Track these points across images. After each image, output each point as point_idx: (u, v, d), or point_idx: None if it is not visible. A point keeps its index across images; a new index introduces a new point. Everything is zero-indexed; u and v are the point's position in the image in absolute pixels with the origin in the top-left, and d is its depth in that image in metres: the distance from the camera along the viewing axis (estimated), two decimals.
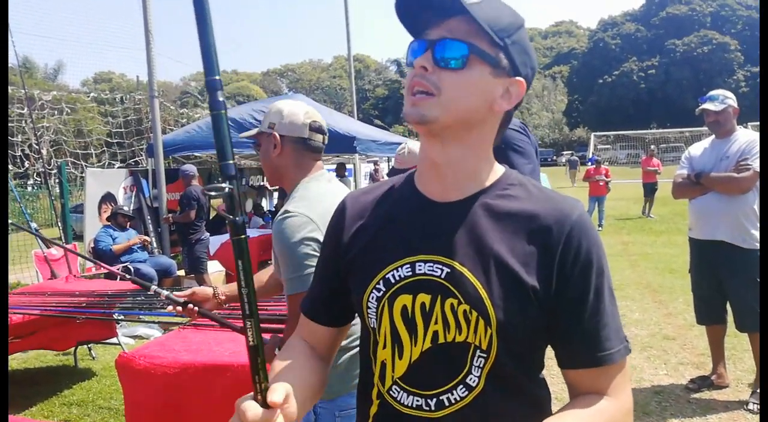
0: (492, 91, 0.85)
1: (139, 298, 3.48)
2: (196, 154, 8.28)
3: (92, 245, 6.11)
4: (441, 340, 0.86)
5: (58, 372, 4.49)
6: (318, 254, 1.44)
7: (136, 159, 12.38)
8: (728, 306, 3.42)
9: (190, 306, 1.88)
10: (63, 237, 5.86)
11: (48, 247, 5.46)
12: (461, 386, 0.86)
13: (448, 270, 0.85)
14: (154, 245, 7.14)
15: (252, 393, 0.79)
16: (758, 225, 3.16)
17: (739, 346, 4.06)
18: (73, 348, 4.43)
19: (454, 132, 0.85)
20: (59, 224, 5.91)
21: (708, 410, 3.28)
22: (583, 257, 0.84)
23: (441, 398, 0.86)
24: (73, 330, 4.12)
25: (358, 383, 1.00)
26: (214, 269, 6.68)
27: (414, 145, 3.55)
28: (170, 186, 7.25)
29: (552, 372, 0.96)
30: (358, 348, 1.03)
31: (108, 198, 6.82)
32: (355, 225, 0.96)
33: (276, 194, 9.70)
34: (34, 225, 5.52)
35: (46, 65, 41.95)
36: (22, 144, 10.51)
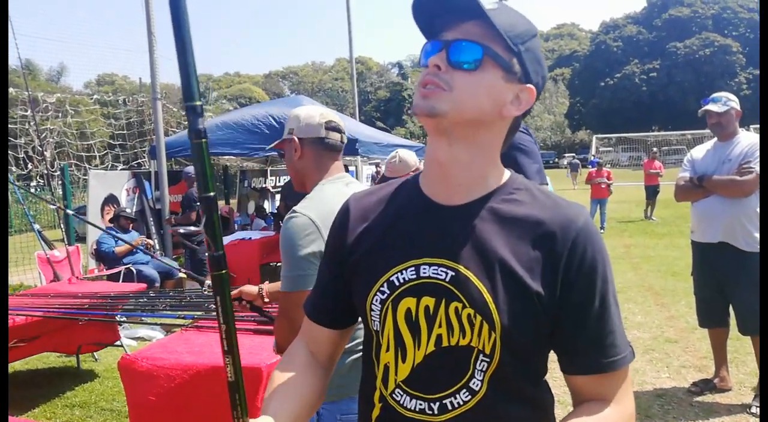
0: (503, 95, 0.86)
1: (141, 300, 3.49)
2: None
3: (95, 247, 6.12)
4: (445, 344, 0.86)
5: (61, 373, 4.50)
6: (314, 255, 1.47)
7: (139, 161, 12.40)
8: (731, 309, 3.41)
9: (244, 302, 1.99)
10: (65, 239, 5.87)
11: (51, 249, 5.47)
12: (464, 390, 0.86)
13: (453, 274, 0.85)
14: (157, 247, 7.15)
15: None
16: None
17: (742, 349, 4.05)
18: (75, 350, 4.44)
19: (462, 131, 0.86)
20: (62, 226, 5.91)
21: (711, 413, 3.27)
22: (588, 264, 0.84)
23: (444, 402, 0.86)
24: (77, 335, 4.13)
25: (360, 386, 1.00)
26: None
27: (405, 154, 3.54)
28: (173, 188, 7.26)
29: (554, 375, 0.96)
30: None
31: (111, 200, 6.84)
32: (359, 226, 0.96)
33: (278, 196, 9.70)
34: (37, 226, 5.52)
35: (50, 68, 42.12)
36: (25, 146, 10.54)
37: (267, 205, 10.81)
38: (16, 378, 4.24)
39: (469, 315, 0.84)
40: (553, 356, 0.92)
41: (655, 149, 14.83)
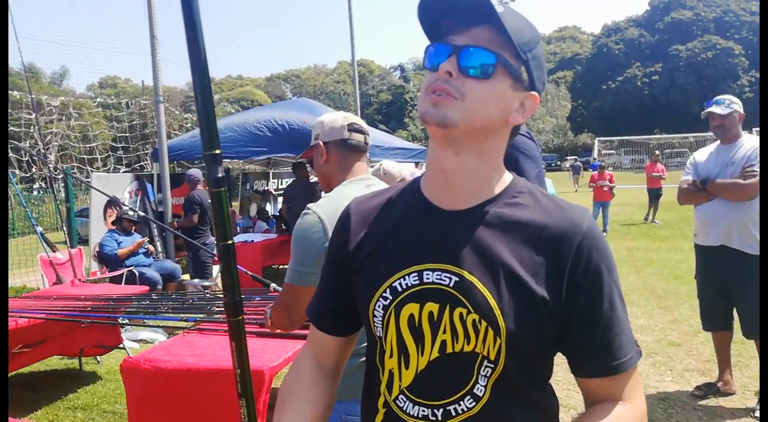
0: (510, 103, 0.86)
1: (143, 302, 3.50)
2: (201, 158, 8.31)
3: (97, 249, 6.13)
4: (449, 350, 0.85)
5: (63, 375, 4.50)
6: (318, 253, 1.48)
7: (141, 163, 12.42)
8: (734, 313, 3.40)
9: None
10: (68, 241, 5.89)
11: (54, 251, 5.48)
12: (468, 396, 0.85)
13: (457, 280, 0.84)
14: (159, 249, 7.16)
15: None
16: None
17: (746, 353, 4.03)
18: (78, 352, 4.44)
19: (470, 140, 0.85)
20: (64, 228, 5.93)
21: (714, 417, 3.26)
22: (593, 268, 0.84)
23: (448, 408, 0.86)
24: (81, 338, 4.13)
25: (363, 391, 1.00)
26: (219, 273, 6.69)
27: (389, 165, 3.53)
28: (175, 190, 7.27)
29: (556, 378, 0.96)
30: None
31: (113, 202, 6.84)
32: (360, 232, 0.96)
33: (281, 199, 9.71)
34: (39, 229, 5.54)
35: (53, 72, 42.24)
36: (30, 149, 10.56)
37: (269, 208, 10.82)
38: (17, 380, 4.24)
39: (474, 320, 0.83)
40: (555, 359, 0.91)
41: (657, 152, 14.83)
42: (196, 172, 6.58)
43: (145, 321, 3.52)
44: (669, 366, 4.07)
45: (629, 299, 5.90)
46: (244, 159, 8.42)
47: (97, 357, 4.72)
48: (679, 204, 3.54)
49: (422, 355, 0.86)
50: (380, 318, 0.89)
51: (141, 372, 2.46)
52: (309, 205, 1.58)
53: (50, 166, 7.00)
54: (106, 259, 6.01)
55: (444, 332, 0.85)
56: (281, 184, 11.64)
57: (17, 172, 10.67)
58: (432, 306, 0.85)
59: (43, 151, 8.54)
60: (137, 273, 5.81)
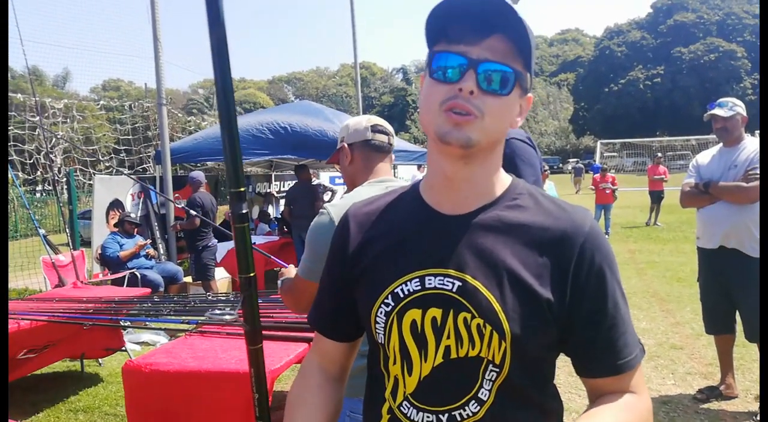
0: (516, 111, 0.86)
1: (145, 305, 3.50)
2: (203, 161, 8.32)
3: (99, 251, 6.14)
4: (453, 355, 0.85)
5: (65, 378, 4.51)
6: (325, 253, 1.51)
7: (144, 166, 12.45)
8: (737, 316, 3.39)
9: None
10: (71, 244, 5.90)
11: (56, 253, 5.49)
12: (473, 401, 0.85)
13: (460, 284, 0.84)
14: (161, 251, 7.17)
15: None
16: None
17: (748, 356, 4.02)
18: (80, 355, 4.44)
19: (484, 152, 0.85)
20: (67, 230, 5.94)
21: (716, 421, 3.25)
22: (597, 269, 0.84)
23: (453, 414, 0.85)
24: (84, 342, 4.13)
25: (365, 397, 0.99)
26: (221, 276, 6.69)
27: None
28: (178, 192, 7.29)
29: (558, 381, 0.96)
30: None
31: (116, 204, 6.86)
32: (360, 237, 0.95)
33: (282, 201, 9.72)
34: (42, 231, 5.55)
35: (56, 75, 42.38)
36: (36, 153, 10.59)
37: (271, 210, 10.83)
38: (19, 382, 4.24)
39: (478, 325, 0.83)
40: (556, 362, 0.91)
41: (659, 154, 14.80)
42: (198, 175, 6.60)
43: (147, 323, 3.52)
44: (671, 370, 4.05)
45: (631, 302, 5.87)
46: (246, 161, 8.42)
47: (99, 359, 4.72)
48: (682, 206, 3.53)
49: (426, 361, 0.86)
50: (382, 325, 0.89)
51: (142, 375, 2.46)
52: (325, 205, 1.62)
53: (55, 168, 7.02)
54: (108, 261, 6.02)
55: (448, 337, 0.84)
56: (283, 187, 11.65)
57: (20, 174, 10.70)
58: (435, 312, 0.85)
59: (49, 155, 8.56)
60: (139, 276, 5.81)
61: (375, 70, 72.90)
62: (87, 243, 7.29)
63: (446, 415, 0.85)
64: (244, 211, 0.88)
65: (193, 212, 4.60)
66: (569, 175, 30.48)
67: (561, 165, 43.48)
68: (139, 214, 7.01)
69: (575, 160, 40.19)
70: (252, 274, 0.90)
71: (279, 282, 1.79)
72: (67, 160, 12.76)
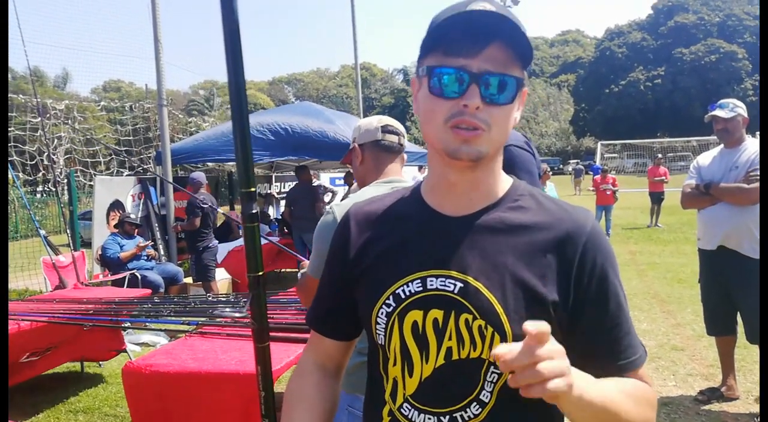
0: (518, 112, 0.86)
1: (145, 306, 3.50)
2: (203, 161, 8.33)
3: (100, 252, 6.14)
4: (455, 357, 0.84)
5: (65, 378, 4.50)
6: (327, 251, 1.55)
7: (144, 167, 12.46)
8: (738, 317, 3.38)
9: None
10: (71, 244, 5.90)
11: (56, 254, 5.49)
12: (474, 403, 0.85)
13: (462, 285, 0.84)
14: (162, 252, 7.17)
15: None
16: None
17: (749, 358, 4.01)
18: (82, 357, 4.44)
19: (490, 159, 0.86)
20: (68, 231, 5.94)
21: None
22: (599, 269, 0.84)
23: (454, 415, 0.85)
24: (85, 345, 4.13)
25: (365, 400, 0.99)
26: (221, 276, 6.69)
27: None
28: (178, 193, 7.29)
29: None
30: None
31: (116, 205, 6.86)
32: (361, 238, 0.95)
33: (282, 202, 9.72)
34: (42, 232, 5.55)
35: (56, 76, 42.39)
36: (38, 155, 10.60)
37: (271, 211, 10.83)
38: (19, 383, 4.24)
39: (480, 326, 0.83)
40: None
41: (659, 155, 14.77)
42: (199, 175, 6.60)
43: (147, 324, 3.52)
44: (672, 371, 4.05)
45: (632, 303, 5.87)
46: None
47: (99, 361, 4.72)
48: (683, 208, 3.53)
49: (427, 363, 0.86)
50: (383, 326, 0.89)
51: (142, 376, 2.46)
52: (331, 204, 1.66)
53: (57, 170, 7.03)
54: (108, 262, 6.02)
55: (449, 339, 0.84)
56: (284, 188, 11.65)
57: (21, 175, 10.70)
58: (436, 313, 0.85)
59: (51, 155, 8.56)
60: (139, 277, 5.81)
61: (375, 71, 72.92)
62: (87, 244, 7.29)
63: (447, 417, 0.85)
64: (254, 211, 0.89)
65: (223, 211, 4.59)
66: (569, 176, 30.49)
67: (561, 166, 43.49)
68: (139, 215, 7.01)
69: (575, 161, 40.20)
70: (261, 273, 0.90)
71: (299, 275, 1.84)
72: (68, 161, 12.77)
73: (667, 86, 46.22)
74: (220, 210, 7.45)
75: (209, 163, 8.43)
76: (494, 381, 0.84)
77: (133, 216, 6.55)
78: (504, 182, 0.91)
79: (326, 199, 8.34)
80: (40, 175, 11.86)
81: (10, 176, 6.30)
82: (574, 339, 0.85)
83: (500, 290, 0.83)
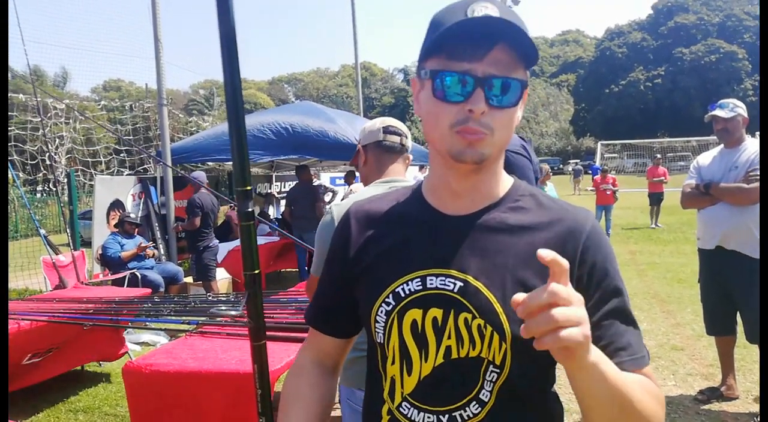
0: (520, 112, 0.86)
1: (146, 305, 3.50)
2: (204, 161, 8.33)
3: (100, 252, 6.14)
4: (454, 356, 0.84)
5: (65, 378, 4.49)
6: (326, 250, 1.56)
7: (145, 166, 12.47)
8: (738, 317, 3.38)
9: None
10: (71, 244, 5.90)
11: (57, 254, 5.49)
12: (474, 402, 0.85)
13: (461, 285, 0.84)
14: (162, 252, 7.17)
15: None
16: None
17: (749, 357, 4.02)
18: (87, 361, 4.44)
19: (492, 162, 0.86)
20: (68, 230, 5.94)
21: None
22: (599, 267, 0.84)
23: (454, 414, 0.85)
24: (87, 349, 4.13)
25: (365, 398, 0.99)
26: (221, 276, 6.69)
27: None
28: (178, 193, 7.29)
29: (560, 382, 0.96)
30: None
31: (116, 205, 6.86)
32: (362, 236, 0.95)
33: (283, 202, 9.72)
34: (42, 231, 5.55)
35: (55, 74, 42.39)
36: (40, 154, 10.60)
37: (271, 211, 10.82)
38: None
39: (479, 325, 0.83)
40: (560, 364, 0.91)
41: (658, 155, 14.77)
42: (200, 175, 6.60)
43: (147, 323, 3.52)
44: (672, 371, 4.05)
45: (632, 303, 5.81)
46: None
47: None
48: (683, 207, 3.53)
49: (426, 361, 0.86)
50: (382, 324, 0.89)
51: (143, 375, 2.46)
52: (330, 204, 1.70)
53: (59, 169, 7.03)
54: (108, 262, 6.02)
55: (449, 337, 0.84)
56: (284, 187, 11.65)
57: (21, 174, 10.71)
58: (436, 312, 0.85)
59: (53, 155, 8.57)
60: (139, 276, 5.81)
61: (375, 71, 72.90)
62: (87, 244, 7.29)
63: (447, 416, 0.85)
64: (250, 210, 0.89)
65: (256, 208, 4.57)
66: (569, 176, 30.51)
67: (562, 166, 43.51)
68: (139, 215, 7.00)
69: (575, 161, 40.23)
70: (257, 271, 0.90)
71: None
72: (69, 160, 12.77)
73: (667, 86, 46.22)
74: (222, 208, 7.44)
75: (209, 163, 8.44)
76: (494, 380, 0.84)
77: (133, 215, 6.55)
78: (505, 182, 0.91)
79: (326, 198, 8.34)
80: (41, 174, 11.85)
81: (10, 175, 6.30)
82: None
83: (500, 289, 0.83)
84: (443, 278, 0.85)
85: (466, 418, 0.85)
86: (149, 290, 5.01)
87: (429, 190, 0.93)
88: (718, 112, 3.28)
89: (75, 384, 4.30)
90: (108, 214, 6.71)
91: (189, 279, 6.63)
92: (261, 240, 7.77)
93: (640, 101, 47.09)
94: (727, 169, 3.25)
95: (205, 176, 6.70)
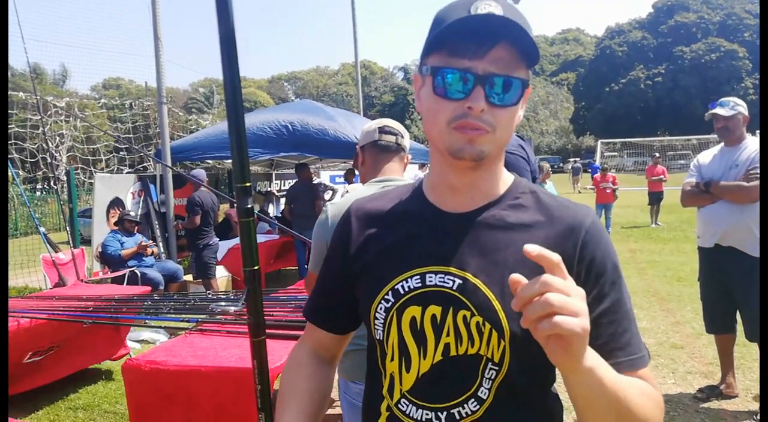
0: (521, 109, 0.86)
1: (145, 303, 3.50)
2: (203, 159, 8.33)
3: (99, 249, 6.14)
4: (453, 353, 0.84)
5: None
6: (323, 247, 1.60)
7: (144, 164, 12.46)
8: (737, 315, 3.39)
9: None
10: (71, 242, 5.90)
11: (56, 251, 5.49)
12: (472, 399, 0.85)
13: (460, 282, 0.84)
14: (162, 250, 7.17)
15: None
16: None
17: (749, 356, 4.02)
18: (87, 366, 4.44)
19: (492, 160, 0.86)
20: (67, 228, 5.94)
21: (717, 420, 3.25)
22: (598, 264, 0.84)
23: (452, 411, 0.85)
24: (88, 351, 4.13)
25: (364, 395, 0.99)
26: (221, 274, 6.69)
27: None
28: (178, 191, 7.29)
29: (560, 380, 0.96)
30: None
31: (116, 203, 6.86)
32: (362, 234, 0.95)
33: (283, 200, 9.72)
34: (42, 229, 5.55)
35: (54, 72, 42.34)
36: (41, 152, 10.59)
37: (271, 209, 10.82)
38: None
39: (477, 323, 0.83)
40: None
41: (657, 154, 14.77)
42: (200, 173, 6.60)
43: (147, 321, 3.53)
44: (671, 369, 4.05)
45: (632, 301, 5.88)
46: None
47: None
48: (683, 206, 3.52)
49: (424, 358, 0.86)
50: (381, 321, 0.89)
51: (142, 372, 2.46)
52: (326, 203, 1.72)
53: (61, 168, 7.03)
54: (108, 260, 6.02)
55: (447, 335, 0.84)
56: (284, 185, 11.65)
57: (21, 172, 10.70)
58: (435, 309, 0.85)
59: (55, 153, 8.57)
60: (139, 274, 5.82)
61: (375, 70, 72.82)
62: (87, 242, 7.29)
63: (445, 413, 0.85)
64: (249, 206, 0.89)
65: (279, 209, 4.58)
66: (568, 175, 30.52)
67: (561, 164, 43.53)
68: (139, 213, 7.01)
69: (575, 159, 40.28)
70: (256, 267, 0.90)
71: None
72: (70, 158, 12.77)
73: (668, 84, 46.21)
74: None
75: (209, 161, 8.44)
76: (492, 378, 0.84)
77: (132, 213, 6.55)
78: (505, 180, 0.91)
79: (326, 196, 8.34)
80: (40, 172, 11.85)
81: (9, 173, 6.30)
82: None
83: (499, 287, 0.83)
84: (442, 275, 0.85)
85: (464, 415, 0.85)
86: (149, 288, 5.01)
87: (429, 187, 0.93)
88: (718, 111, 3.28)
89: (75, 381, 4.30)
90: (108, 212, 6.71)
91: (189, 277, 6.63)
92: (261, 239, 7.77)
93: (640, 100, 47.08)
94: (727, 167, 3.25)
95: (205, 174, 6.69)
